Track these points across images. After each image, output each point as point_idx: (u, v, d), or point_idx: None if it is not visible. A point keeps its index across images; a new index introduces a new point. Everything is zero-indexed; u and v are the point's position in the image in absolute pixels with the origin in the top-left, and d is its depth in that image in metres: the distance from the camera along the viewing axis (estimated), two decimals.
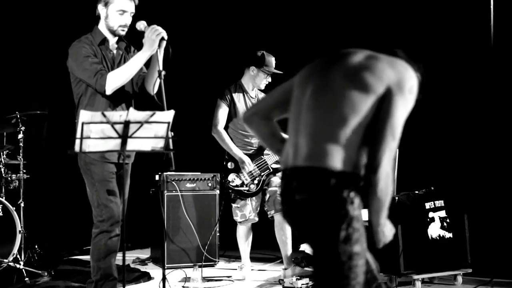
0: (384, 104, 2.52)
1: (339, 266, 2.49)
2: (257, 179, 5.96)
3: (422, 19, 6.84)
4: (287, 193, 2.62)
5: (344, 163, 2.49)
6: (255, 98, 6.08)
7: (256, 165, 6.00)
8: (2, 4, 7.65)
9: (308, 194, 2.52)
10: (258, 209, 6.06)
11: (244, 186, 5.92)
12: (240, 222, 6.07)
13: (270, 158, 5.99)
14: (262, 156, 6.05)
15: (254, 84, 6.02)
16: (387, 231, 2.64)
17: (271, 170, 6.00)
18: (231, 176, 5.95)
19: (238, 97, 6.02)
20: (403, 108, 2.54)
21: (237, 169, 5.96)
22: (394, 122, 2.52)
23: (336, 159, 2.49)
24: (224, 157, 6.08)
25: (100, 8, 4.53)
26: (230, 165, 5.98)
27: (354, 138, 2.51)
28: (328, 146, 2.51)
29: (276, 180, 5.98)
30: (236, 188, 5.96)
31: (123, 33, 4.58)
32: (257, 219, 6.05)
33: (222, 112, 5.99)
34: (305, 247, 6.39)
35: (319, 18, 7.82)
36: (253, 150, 6.05)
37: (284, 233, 5.95)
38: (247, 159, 5.93)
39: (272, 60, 5.97)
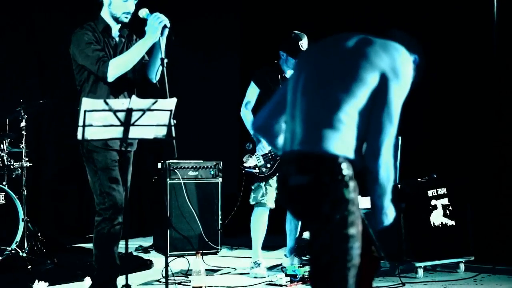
0: (380, 90, 2.54)
1: (334, 249, 2.50)
2: (271, 162, 5.75)
3: (426, 16, 6.83)
4: (284, 177, 2.64)
5: (339, 148, 2.51)
6: None
7: None
8: None
9: (304, 178, 2.53)
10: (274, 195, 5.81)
11: (256, 168, 5.76)
12: (253, 205, 5.86)
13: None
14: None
15: (286, 68, 5.82)
16: (390, 214, 2.65)
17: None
18: (246, 157, 5.79)
19: (273, 80, 5.80)
20: (399, 93, 2.56)
21: (254, 151, 5.79)
22: (391, 108, 2.54)
23: (331, 143, 2.51)
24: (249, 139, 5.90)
25: None
26: (247, 146, 5.82)
27: (349, 122, 2.53)
28: (323, 130, 2.53)
29: None
30: (247, 169, 5.80)
31: (126, 20, 4.56)
32: (272, 205, 5.79)
33: (252, 93, 5.84)
34: (307, 235, 6.40)
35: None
36: None
37: (294, 223, 5.94)
38: (264, 142, 5.72)
39: (302, 43, 5.67)
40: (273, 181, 5.76)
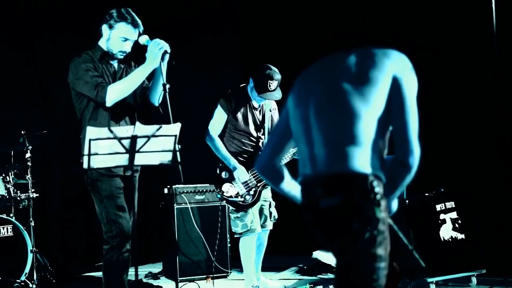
0: (393, 91, 2.57)
1: (361, 268, 2.48)
2: (253, 189, 5.61)
3: (426, 18, 6.83)
4: (312, 201, 2.61)
5: (367, 165, 2.50)
6: (258, 108, 5.79)
7: (252, 175, 5.64)
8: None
9: (334, 199, 2.51)
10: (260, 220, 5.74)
11: (239, 197, 5.59)
12: (241, 234, 5.69)
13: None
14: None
15: (252, 95, 5.71)
16: (395, 205, 2.68)
17: None
18: (225, 187, 5.61)
19: (239, 103, 5.70)
20: (412, 88, 2.60)
21: (231, 179, 5.63)
22: (411, 103, 2.57)
23: (358, 160, 2.49)
24: (217, 166, 5.75)
25: (104, 28, 4.54)
26: (224, 174, 5.66)
27: (370, 133, 2.52)
28: (347, 148, 2.51)
29: (265, 193, 5.77)
30: (230, 199, 5.63)
31: (121, 57, 4.59)
32: (260, 230, 5.72)
33: (220, 118, 5.70)
34: (318, 255, 6.38)
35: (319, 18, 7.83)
36: (248, 159, 5.69)
37: (262, 248, 5.89)
38: (242, 169, 5.61)
39: (271, 84, 5.53)
40: (255, 207, 5.66)
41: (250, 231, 5.64)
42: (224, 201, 5.73)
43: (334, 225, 2.54)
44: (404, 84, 2.58)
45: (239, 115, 5.69)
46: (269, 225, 5.88)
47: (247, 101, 5.73)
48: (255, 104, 5.78)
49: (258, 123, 5.76)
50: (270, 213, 5.83)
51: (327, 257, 6.34)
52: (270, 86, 5.54)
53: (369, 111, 2.54)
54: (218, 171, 5.70)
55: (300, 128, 2.73)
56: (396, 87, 2.57)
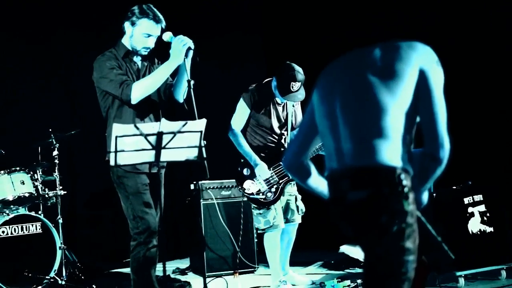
0: (421, 84, 2.56)
1: (390, 262, 2.47)
2: (274, 186, 5.60)
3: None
4: (339, 195, 2.60)
5: (394, 158, 2.49)
6: (282, 103, 5.77)
7: (274, 171, 5.63)
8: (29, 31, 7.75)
9: (362, 192, 2.50)
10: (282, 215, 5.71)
11: (261, 194, 5.57)
12: (264, 230, 5.67)
13: None
14: (281, 162, 5.57)
15: (275, 94, 5.69)
16: (425, 197, 2.66)
17: (290, 177, 5.54)
18: (247, 184, 5.59)
19: (263, 98, 5.68)
20: (439, 81, 2.58)
21: (253, 176, 5.62)
22: (438, 96, 2.56)
23: (385, 154, 2.48)
24: (239, 163, 5.75)
25: (127, 25, 4.56)
26: (245, 171, 5.64)
27: (397, 126, 2.51)
28: (374, 142, 2.50)
29: (290, 189, 5.75)
30: (252, 196, 5.61)
31: (145, 53, 4.60)
32: (283, 225, 5.69)
33: (243, 113, 5.69)
34: (345, 249, 6.36)
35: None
36: (271, 155, 5.69)
37: (290, 243, 5.89)
38: (263, 165, 5.59)
39: (294, 85, 5.49)
40: (278, 203, 5.65)
41: (273, 227, 5.63)
42: (246, 198, 5.71)
43: (362, 219, 2.53)
44: (431, 77, 2.56)
45: (262, 111, 5.68)
46: (297, 219, 5.85)
47: (271, 96, 5.71)
48: (279, 100, 5.75)
49: (282, 119, 5.74)
50: (297, 206, 5.81)
51: (355, 251, 6.32)
52: (292, 87, 5.50)
53: (396, 104, 2.52)
54: (239, 168, 5.69)
55: (326, 123, 2.72)
56: (423, 81, 2.55)
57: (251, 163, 5.61)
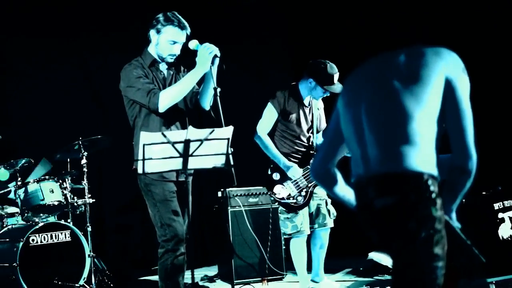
0: (447, 91, 2.54)
1: (419, 268, 2.45)
2: (304, 190, 5.59)
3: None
4: (366, 201, 2.59)
5: (422, 163, 2.47)
6: (309, 107, 5.79)
7: (303, 175, 5.62)
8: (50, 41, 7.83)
9: (389, 199, 2.48)
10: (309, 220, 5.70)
11: (291, 198, 5.57)
12: (290, 234, 5.68)
13: None
14: (309, 166, 5.59)
15: (310, 95, 5.71)
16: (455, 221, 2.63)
17: None
18: (277, 188, 5.59)
19: (290, 102, 5.69)
20: (466, 90, 2.56)
21: (283, 180, 5.61)
22: (466, 106, 2.54)
23: (413, 159, 2.47)
24: (268, 168, 5.74)
25: (152, 33, 4.59)
26: (275, 175, 5.63)
27: (423, 132, 2.49)
28: (400, 148, 2.49)
29: (320, 192, 5.74)
30: (282, 201, 5.60)
31: (171, 61, 4.62)
32: (308, 232, 5.68)
33: (270, 117, 5.70)
34: (374, 256, 6.32)
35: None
36: (301, 159, 5.68)
37: (323, 249, 5.87)
38: (295, 166, 5.57)
39: (334, 76, 5.55)
40: (305, 209, 5.64)
41: (299, 232, 5.62)
42: (276, 203, 5.70)
43: (390, 225, 2.51)
44: (458, 86, 2.54)
45: (291, 115, 5.68)
46: (329, 223, 5.83)
47: (299, 100, 5.71)
48: (306, 103, 5.76)
49: (309, 122, 5.75)
50: (328, 210, 5.79)
51: (384, 258, 6.28)
52: (334, 78, 5.54)
53: (422, 111, 2.50)
54: (269, 172, 5.69)
55: (351, 129, 2.71)
56: (450, 89, 2.53)
57: (280, 166, 5.60)
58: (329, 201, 5.82)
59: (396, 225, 2.48)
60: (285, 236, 5.74)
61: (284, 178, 5.57)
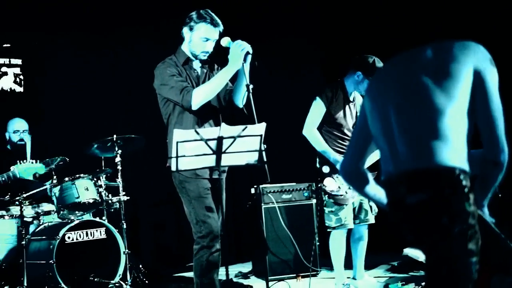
0: (477, 85, 2.52)
1: (452, 264, 2.43)
2: None
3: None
4: (398, 198, 2.57)
5: (454, 159, 2.45)
6: (353, 101, 5.80)
7: None
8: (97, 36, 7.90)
9: (422, 195, 2.47)
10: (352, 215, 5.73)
11: (341, 190, 5.56)
12: (334, 228, 5.68)
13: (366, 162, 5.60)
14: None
15: (357, 89, 5.71)
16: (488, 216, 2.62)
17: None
18: (327, 181, 5.56)
19: (337, 98, 5.70)
20: (495, 82, 2.54)
21: (332, 173, 5.57)
22: (494, 98, 2.53)
23: (444, 155, 2.45)
24: (316, 161, 5.73)
25: (185, 31, 4.61)
26: (325, 168, 5.57)
27: (455, 127, 2.48)
28: (431, 143, 2.47)
29: None
30: (332, 193, 5.60)
31: (204, 58, 4.64)
32: (352, 226, 5.71)
33: (319, 112, 5.69)
34: (409, 252, 6.27)
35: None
36: None
37: (363, 245, 5.86)
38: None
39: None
40: (350, 204, 5.66)
41: (343, 225, 5.64)
42: (326, 195, 5.71)
43: (423, 221, 2.49)
44: (487, 79, 2.52)
45: (338, 111, 5.70)
46: (371, 218, 5.85)
47: (345, 96, 5.72)
48: (351, 99, 5.77)
49: (354, 118, 5.76)
50: (370, 206, 5.81)
51: (419, 254, 6.23)
52: (379, 64, 5.53)
53: (452, 105, 2.48)
54: (318, 166, 5.68)
55: (379, 127, 2.69)
56: (479, 82, 2.51)
57: (330, 161, 5.59)
58: None
59: (429, 221, 2.46)
60: (329, 230, 5.73)
61: (334, 171, 5.57)
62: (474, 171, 2.52)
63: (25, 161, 5.73)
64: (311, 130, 5.68)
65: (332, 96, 5.68)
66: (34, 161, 5.68)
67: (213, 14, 4.57)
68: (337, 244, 5.72)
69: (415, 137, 2.53)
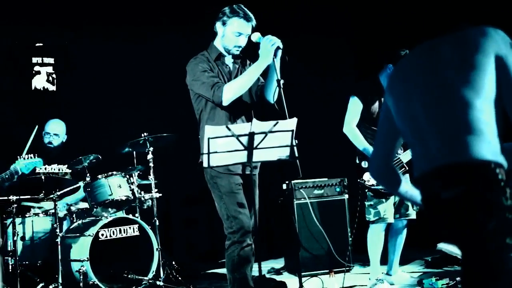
0: (501, 72, 2.46)
1: (489, 259, 2.39)
2: None
3: None
4: (432, 194, 2.53)
5: (488, 152, 2.41)
6: None
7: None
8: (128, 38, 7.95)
9: (457, 190, 2.42)
10: (393, 210, 5.73)
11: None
12: (373, 222, 5.71)
13: (404, 156, 5.59)
14: (396, 154, 5.54)
15: None
16: None
17: (406, 168, 5.57)
18: (366, 175, 5.63)
19: (373, 94, 5.72)
20: None
21: None
22: None
23: (479, 148, 2.40)
24: (356, 156, 5.75)
25: (218, 26, 4.62)
26: (363, 163, 5.65)
27: (485, 120, 2.43)
28: (463, 137, 2.43)
29: None
30: (373, 187, 5.63)
31: (237, 53, 4.64)
32: (392, 220, 5.71)
33: (356, 109, 5.74)
34: (443, 247, 6.22)
35: None
36: None
37: (401, 240, 5.85)
38: None
39: None
40: (391, 198, 5.67)
41: (381, 219, 5.65)
42: (366, 190, 5.72)
43: (458, 216, 2.45)
44: (510, 63, 2.46)
45: (373, 107, 5.71)
46: (412, 214, 5.84)
47: (379, 92, 5.70)
48: None
49: None
50: None
51: (453, 249, 6.18)
52: None
53: (480, 97, 2.44)
54: (357, 161, 5.71)
55: (408, 124, 2.65)
56: (501, 67, 2.46)
57: (369, 157, 5.57)
58: None
59: (465, 216, 2.42)
60: (370, 224, 5.73)
61: None
62: (509, 165, 2.48)
63: (27, 156, 5.73)
64: (350, 128, 5.73)
65: (368, 93, 5.71)
66: (32, 155, 5.69)
67: (246, 9, 4.57)
68: (375, 238, 5.73)
69: (446, 132, 2.49)
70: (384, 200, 5.63)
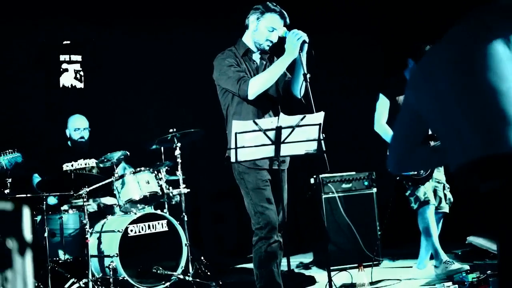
0: None
1: None
2: None
3: None
4: (469, 188, 2.49)
5: None
6: None
7: None
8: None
9: (495, 182, 2.38)
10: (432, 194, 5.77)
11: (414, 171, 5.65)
12: (417, 209, 5.74)
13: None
14: (429, 144, 5.73)
15: None
16: None
17: None
18: None
19: (400, 90, 5.61)
20: None
21: None
22: None
23: None
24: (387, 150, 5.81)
25: (251, 20, 4.61)
26: None
27: None
28: (499, 128, 2.37)
29: (439, 176, 5.84)
30: (405, 173, 5.67)
31: (267, 48, 4.64)
32: (434, 201, 5.74)
33: (384, 106, 5.83)
34: (473, 240, 6.17)
35: None
36: None
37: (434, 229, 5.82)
38: None
39: None
40: (428, 183, 5.72)
41: (424, 202, 5.69)
42: (398, 178, 5.78)
43: (498, 209, 2.41)
44: None
45: (400, 102, 5.74)
46: (445, 207, 5.85)
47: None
48: None
49: None
50: (445, 195, 5.84)
51: (483, 242, 6.13)
52: None
53: (505, 82, 2.38)
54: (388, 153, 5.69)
55: (440, 119, 2.59)
56: None
57: None
58: (447, 186, 5.89)
59: (505, 209, 2.38)
60: (418, 211, 5.77)
61: None
62: None
63: (8, 151, 5.82)
64: (380, 125, 5.83)
65: (394, 90, 5.76)
66: (11, 150, 5.77)
67: (280, 7, 4.59)
68: (425, 222, 5.73)
69: (482, 124, 2.42)
70: (421, 185, 5.69)
